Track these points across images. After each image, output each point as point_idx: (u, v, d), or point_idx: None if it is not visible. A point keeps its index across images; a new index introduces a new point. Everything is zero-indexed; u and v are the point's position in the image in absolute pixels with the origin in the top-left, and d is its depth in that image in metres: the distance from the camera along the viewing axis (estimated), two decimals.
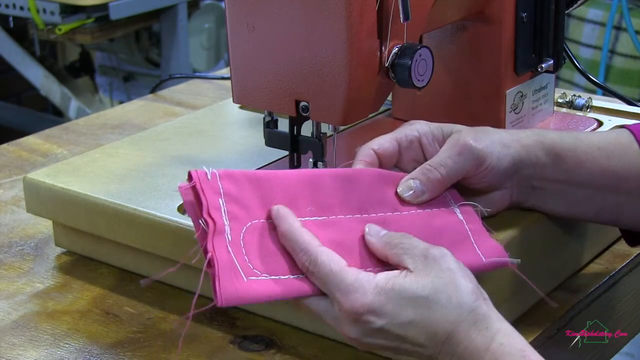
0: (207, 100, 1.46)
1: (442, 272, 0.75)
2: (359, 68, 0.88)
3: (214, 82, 1.57)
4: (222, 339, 0.91)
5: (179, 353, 0.89)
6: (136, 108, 1.47)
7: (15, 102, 3.45)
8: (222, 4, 1.64)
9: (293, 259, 0.78)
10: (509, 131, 0.90)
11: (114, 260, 1.03)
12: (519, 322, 0.92)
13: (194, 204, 0.79)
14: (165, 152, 1.09)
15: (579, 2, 1.10)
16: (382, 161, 0.87)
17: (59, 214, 1.03)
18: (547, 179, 0.89)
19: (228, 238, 0.77)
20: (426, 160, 0.87)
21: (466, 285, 0.75)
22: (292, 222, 0.78)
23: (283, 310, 0.92)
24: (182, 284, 0.98)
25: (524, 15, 1.04)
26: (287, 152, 0.97)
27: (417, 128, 0.88)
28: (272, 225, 0.80)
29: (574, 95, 1.18)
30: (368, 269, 0.77)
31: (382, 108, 1.09)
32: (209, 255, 0.76)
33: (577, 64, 1.19)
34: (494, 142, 0.87)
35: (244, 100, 0.97)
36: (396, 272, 0.76)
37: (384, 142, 0.87)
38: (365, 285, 0.75)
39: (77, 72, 3.41)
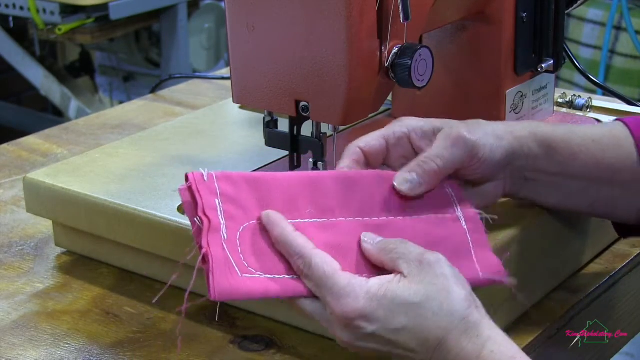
0: (207, 100, 1.46)
1: (436, 278, 0.75)
2: (359, 68, 0.88)
3: (214, 82, 1.57)
4: (222, 339, 0.91)
5: (179, 353, 0.89)
6: (136, 108, 1.47)
7: (15, 102, 3.45)
8: (222, 4, 1.64)
9: (289, 260, 0.78)
10: (503, 123, 0.90)
11: (114, 260, 1.03)
12: (519, 322, 0.92)
13: (192, 204, 0.79)
14: (165, 152, 1.09)
15: (579, 2, 1.10)
16: (369, 159, 0.86)
17: (59, 214, 1.03)
18: (539, 170, 0.89)
19: (224, 236, 0.77)
20: (417, 155, 0.86)
21: (459, 293, 0.75)
22: (285, 227, 0.78)
23: (283, 310, 0.92)
24: (182, 284, 0.97)
25: (524, 15, 1.04)
26: (287, 152, 0.97)
27: (406, 124, 0.88)
28: None
29: (574, 95, 1.18)
30: (363, 275, 0.77)
31: (382, 108, 1.09)
32: (204, 250, 0.76)
33: (577, 64, 1.19)
34: (488, 134, 0.87)
35: (244, 100, 0.97)
36: (390, 276, 0.76)
37: (370, 140, 0.87)
38: (357, 290, 0.75)
39: (77, 72, 3.41)
